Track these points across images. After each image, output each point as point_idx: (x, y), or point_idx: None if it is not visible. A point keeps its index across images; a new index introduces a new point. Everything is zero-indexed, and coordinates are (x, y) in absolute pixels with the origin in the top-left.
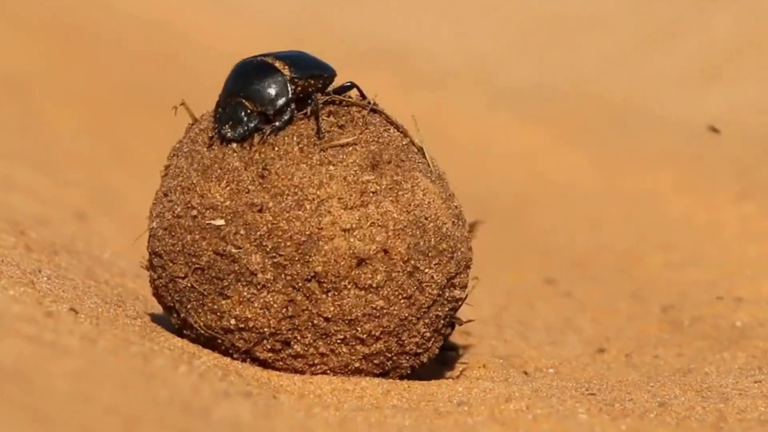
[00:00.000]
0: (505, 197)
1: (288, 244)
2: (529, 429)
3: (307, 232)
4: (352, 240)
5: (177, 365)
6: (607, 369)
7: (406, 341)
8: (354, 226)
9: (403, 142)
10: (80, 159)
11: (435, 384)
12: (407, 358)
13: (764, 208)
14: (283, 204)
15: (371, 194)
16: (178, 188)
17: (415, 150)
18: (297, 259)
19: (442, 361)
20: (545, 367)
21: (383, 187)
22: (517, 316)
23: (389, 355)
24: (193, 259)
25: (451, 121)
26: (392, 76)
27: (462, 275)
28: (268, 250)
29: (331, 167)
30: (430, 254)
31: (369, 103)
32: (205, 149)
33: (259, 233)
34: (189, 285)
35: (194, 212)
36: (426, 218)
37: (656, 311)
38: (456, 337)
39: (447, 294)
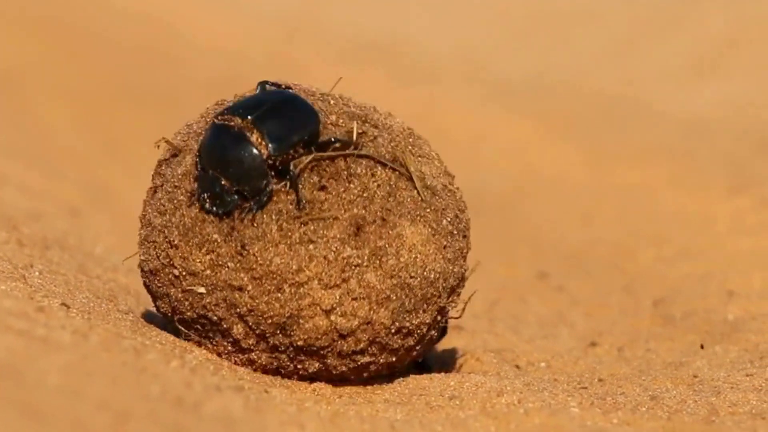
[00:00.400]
0: (498, 191)
1: (269, 322)
2: (520, 423)
3: (287, 314)
4: (333, 318)
5: (169, 360)
6: (599, 363)
7: (398, 366)
8: (335, 305)
9: (391, 182)
10: (73, 154)
11: (427, 378)
12: (400, 368)
13: (756, 202)
14: (262, 287)
15: (353, 268)
16: (162, 235)
17: (405, 181)
18: (279, 332)
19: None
20: (537, 361)
21: (365, 257)
22: (509, 311)
23: (383, 376)
24: (178, 310)
25: (444, 115)
26: (385, 70)
27: (454, 294)
28: (249, 324)
29: (311, 246)
30: (416, 306)
31: (354, 147)
32: (186, 203)
33: (239, 310)
34: (175, 325)
35: (176, 271)
36: (412, 276)
37: (648, 305)
38: (448, 332)
39: (439, 318)
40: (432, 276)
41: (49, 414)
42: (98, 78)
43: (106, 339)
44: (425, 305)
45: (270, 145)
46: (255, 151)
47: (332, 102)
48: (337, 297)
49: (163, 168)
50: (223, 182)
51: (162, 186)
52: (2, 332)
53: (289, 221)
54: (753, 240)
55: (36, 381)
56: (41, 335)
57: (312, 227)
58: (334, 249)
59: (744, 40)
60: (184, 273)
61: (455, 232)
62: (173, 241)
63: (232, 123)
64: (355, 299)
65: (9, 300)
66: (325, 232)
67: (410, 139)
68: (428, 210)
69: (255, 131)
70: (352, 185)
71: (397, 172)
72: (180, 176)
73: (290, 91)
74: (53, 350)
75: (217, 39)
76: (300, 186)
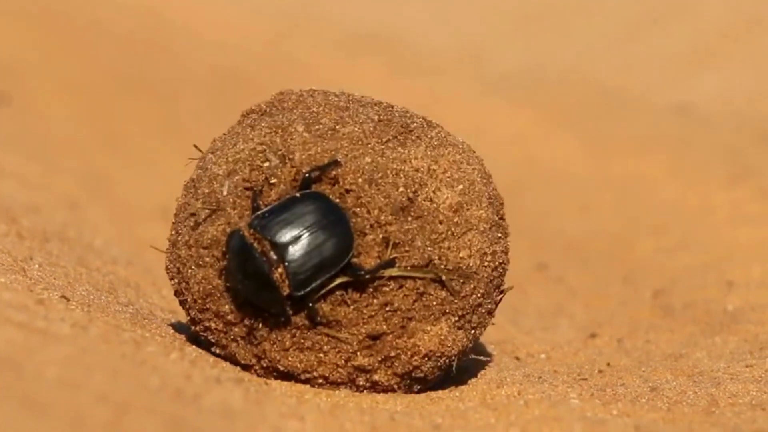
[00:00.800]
0: (497, 182)
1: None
2: (520, 414)
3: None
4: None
5: (168, 352)
6: (598, 354)
7: None
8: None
9: (420, 289)
10: (72, 146)
11: None
12: None
13: (755, 192)
14: (269, 371)
15: (361, 373)
16: (186, 268)
17: (436, 283)
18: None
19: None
20: (537, 352)
21: (375, 365)
22: (508, 302)
23: None
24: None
25: (443, 107)
26: (384, 61)
27: (467, 354)
28: (258, 373)
29: (321, 354)
30: (423, 385)
31: (389, 263)
32: (211, 267)
33: (248, 371)
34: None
35: (192, 314)
36: (423, 371)
37: (648, 296)
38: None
39: None
40: (446, 364)
41: (49, 406)
42: (97, 70)
43: (106, 331)
44: (433, 378)
45: (292, 286)
46: (274, 286)
47: (380, 186)
48: (342, 394)
49: (200, 193)
50: (241, 292)
51: (195, 218)
52: (2, 324)
53: (303, 331)
54: (752, 230)
55: (35, 373)
56: (41, 327)
57: (326, 339)
58: (345, 358)
59: (743, 30)
60: (198, 319)
61: (486, 300)
62: (192, 294)
63: (258, 247)
64: (359, 390)
65: (9, 292)
66: (338, 344)
67: (455, 219)
68: (456, 302)
69: (280, 266)
70: (375, 300)
71: (428, 278)
72: (209, 241)
73: (334, 206)
74: (53, 342)
75: (216, 31)
76: (318, 309)
